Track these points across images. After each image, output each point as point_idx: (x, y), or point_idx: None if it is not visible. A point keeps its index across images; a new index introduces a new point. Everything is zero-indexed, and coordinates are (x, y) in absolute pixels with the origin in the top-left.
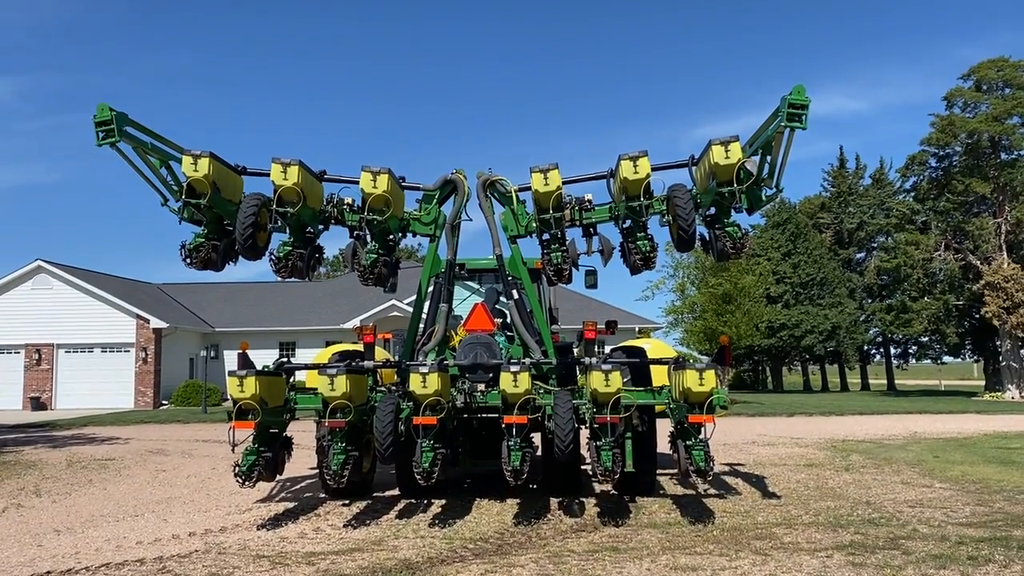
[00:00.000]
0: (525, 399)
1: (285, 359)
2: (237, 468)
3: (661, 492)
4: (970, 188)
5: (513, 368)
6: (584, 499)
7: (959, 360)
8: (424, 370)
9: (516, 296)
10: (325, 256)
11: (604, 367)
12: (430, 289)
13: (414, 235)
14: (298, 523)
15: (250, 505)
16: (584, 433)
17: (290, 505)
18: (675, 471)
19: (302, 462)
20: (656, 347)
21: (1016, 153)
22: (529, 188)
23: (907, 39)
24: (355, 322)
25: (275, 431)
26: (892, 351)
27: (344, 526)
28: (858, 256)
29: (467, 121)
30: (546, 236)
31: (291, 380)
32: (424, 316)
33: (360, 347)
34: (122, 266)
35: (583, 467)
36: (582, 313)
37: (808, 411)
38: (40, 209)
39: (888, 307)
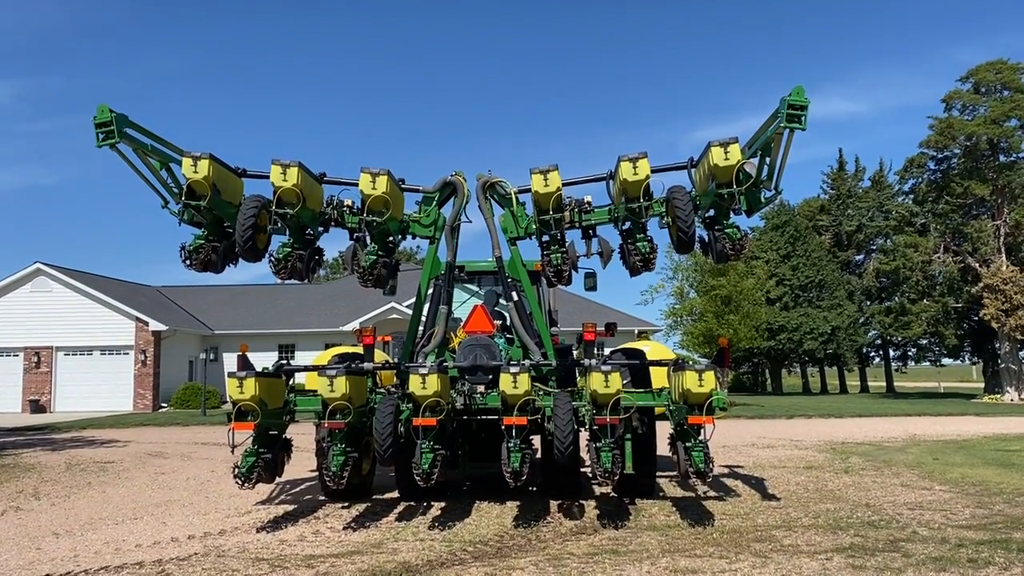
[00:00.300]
0: (525, 401)
1: (285, 361)
2: (236, 470)
3: (661, 494)
4: (969, 190)
5: (513, 370)
6: (584, 501)
7: (958, 362)
8: (424, 372)
9: (516, 298)
10: (324, 258)
11: (604, 368)
12: (429, 291)
13: (413, 237)
14: (297, 525)
15: (249, 508)
16: (584, 435)
17: (289, 507)
18: (675, 473)
19: (302, 464)
20: (655, 349)
21: (1015, 155)
22: (529, 190)
23: (906, 41)
24: (354, 324)
25: (274, 433)
26: (891, 353)
27: (343, 528)
28: (857, 258)
29: (466, 123)
30: (546, 238)
31: (291, 382)
32: (424, 318)
33: (359, 349)
34: (121, 269)
35: (583, 469)
36: (581, 315)
37: (807, 413)
38: (39, 212)
39: (887, 309)
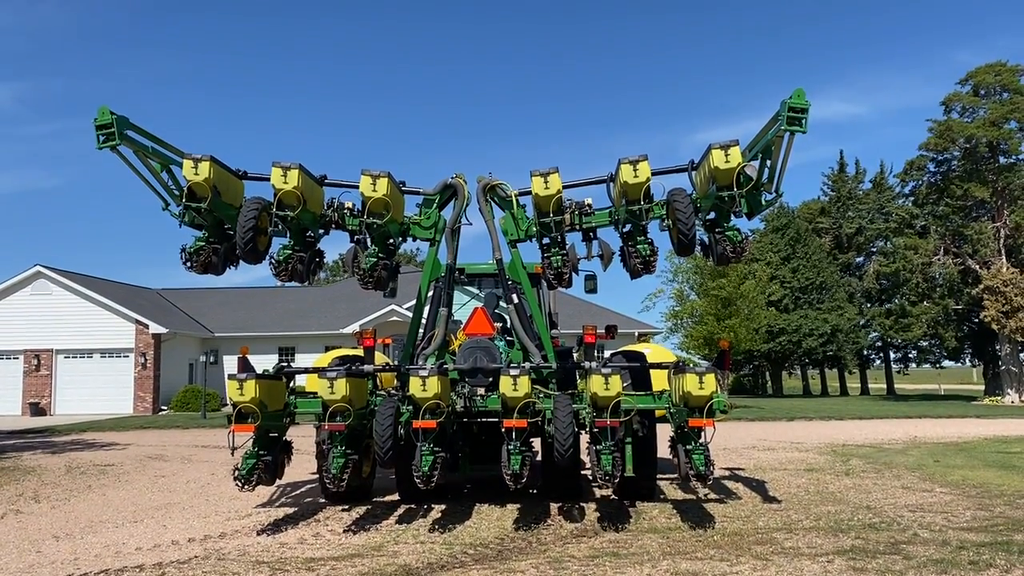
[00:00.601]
0: (525, 403)
1: (285, 363)
2: (237, 472)
3: (661, 497)
4: (969, 192)
5: (513, 372)
6: (584, 504)
7: (959, 364)
8: (424, 374)
9: (516, 300)
10: (325, 260)
11: (604, 371)
12: (430, 293)
13: (414, 239)
14: (298, 528)
15: (249, 510)
16: (584, 437)
17: (290, 510)
18: (675, 475)
19: (302, 466)
20: (656, 351)
21: (1014, 157)
22: (529, 192)
23: (905, 44)
24: (355, 327)
25: (275, 435)
26: (891, 355)
27: (344, 531)
28: (857, 260)
29: (466, 126)
30: (546, 240)
31: (291, 384)
32: (424, 320)
33: (360, 352)
34: (121, 271)
35: (583, 471)
36: (582, 317)
37: (808, 415)
38: (39, 214)
39: (887, 311)
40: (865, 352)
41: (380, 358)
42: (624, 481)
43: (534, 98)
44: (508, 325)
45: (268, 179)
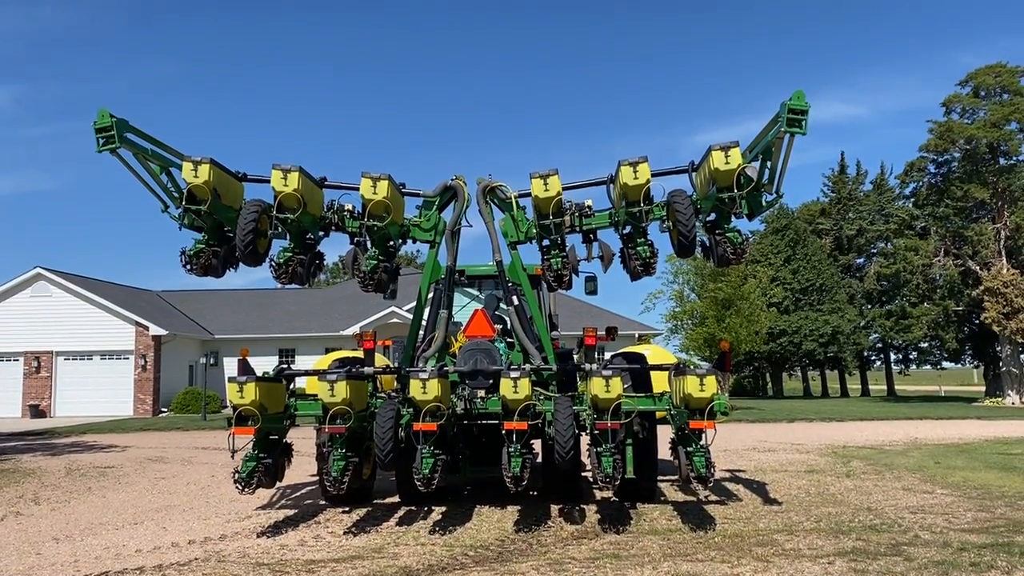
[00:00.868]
0: (525, 405)
1: (285, 366)
2: (237, 475)
3: (662, 498)
4: (969, 194)
5: (513, 374)
6: (585, 506)
7: (959, 366)
8: (424, 376)
9: (516, 302)
10: (325, 263)
11: (605, 373)
12: (430, 295)
13: (414, 241)
14: (298, 530)
15: (250, 512)
16: (585, 439)
17: (290, 512)
18: (676, 477)
19: (302, 469)
20: (656, 353)
21: (1014, 159)
22: (529, 194)
23: (905, 45)
24: (355, 329)
25: (275, 437)
26: (892, 357)
27: (344, 533)
28: (858, 262)
29: (466, 128)
30: (546, 242)
31: (291, 386)
32: (424, 322)
33: (360, 354)
34: (121, 273)
35: (584, 473)
36: (582, 319)
37: (808, 417)
38: (39, 217)
39: (888, 313)
40: (865, 353)
41: (380, 360)
42: (625, 483)
43: (535, 101)
44: (508, 327)
45: (268, 181)
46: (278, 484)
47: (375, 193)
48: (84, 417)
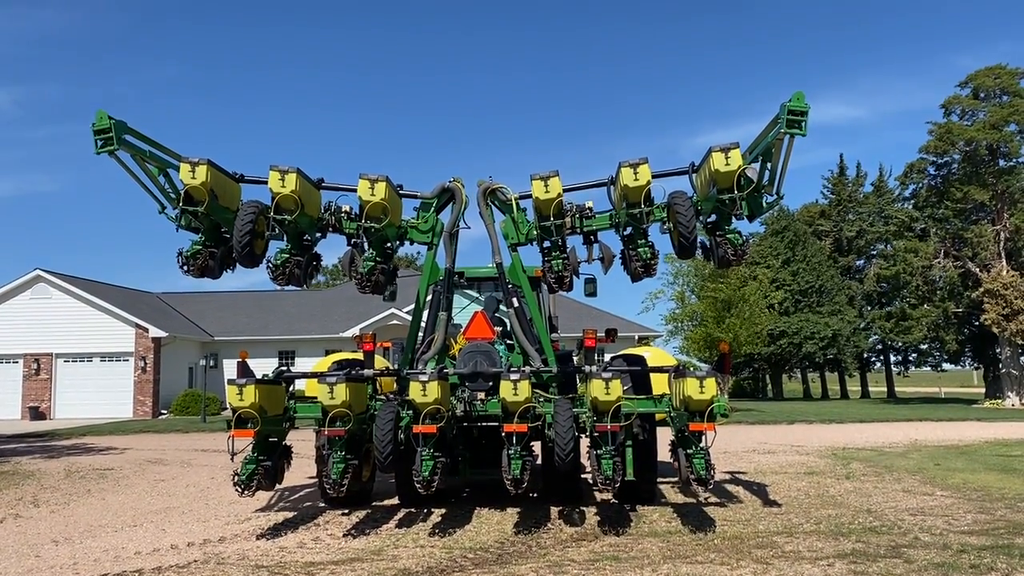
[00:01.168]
0: (525, 407)
1: (285, 368)
2: (236, 477)
3: (662, 501)
4: (969, 195)
5: (513, 376)
6: (584, 508)
7: (959, 367)
8: (424, 378)
9: (516, 304)
10: (323, 264)
11: (604, 375)
12: (428, 298)
13: (412, 243)
14: (297, 533)
15: (249, 515)
16: (584, 441)
17: (289, 515)
18: (676, 479)
19: (301, 471)
20: (656, 355)
21: (1014, 160)
22: (529, 196)
23: (906, 48)
24: (354, 331)
25: (274, 440)
26: (892, 358)
27: (343, 536)
28: (858, 263)
29: (466, 130)
30: (547, 244)
31: (290, 389)
32: (423, 324)
33: (360, 356)
34: (121, 275)
35: (583, 475)
36: (582, 321)
37: (808, 419)
38: (39, 218)
39: (888, 314)
40: (865, 355)
41: (380, 362)
42: (624, 485)
43: (535, 104)
44: (508, 329)
45: (266, 183)
46: (277, 486)
47: (372, 195)
48: (84, 419)
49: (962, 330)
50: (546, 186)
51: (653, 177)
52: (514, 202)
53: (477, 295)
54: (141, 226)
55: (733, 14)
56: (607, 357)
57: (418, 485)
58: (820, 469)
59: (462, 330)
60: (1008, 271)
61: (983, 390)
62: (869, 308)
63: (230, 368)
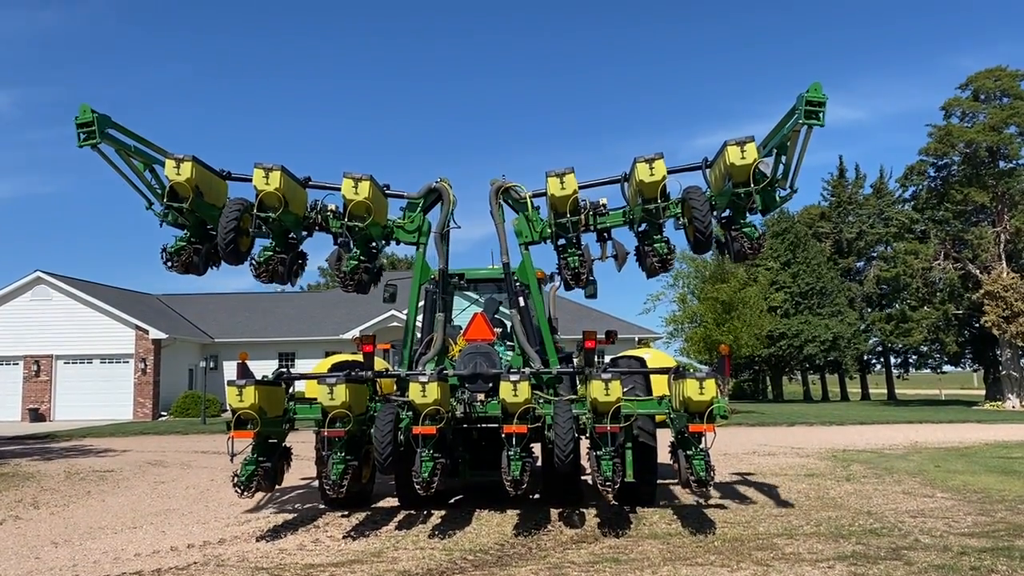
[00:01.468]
0: (525, 409)
1: (284, 369)
2: (236, 478)
3: (662, 502)
4: (969, 197)
5: (513, 378)
6: (584, 509)
7: (959, 369)
8: (423, 380)
9: (523, 303)
10: (308, 263)
11: (604, 376)
12: (421, 298)
13: (398, 243)
14: (297, 534)
15: (249, 516)
16: (584, 443)
17: (289, 516)
18: (676, 481)
19: (301, 472)
20: (655, 356)
21: (1014, 162)
22: (543, 194)
23: (906, 49)
24: (354, 332)
25: (274, 441)
26: (892, 360)
27: (343, 537)
28: (858, 265)
29: (467, 132)
30: (562, 241)
31: (290, 390)
32: (417, 324)
33: (359, 357)
34: (121, 277)
35: (583, 477)
36: (581, 323)
37: (808, 421)
38: (39, 220)
39: (888, 316)
40: (866, 357)
41: (380, 364)
42: (624, 487)
43: (538, 105)
44: (508, 330)
45: (251, 180)
46: (277, 488)
47: (356, 193)
48: (84, 421)
49: (962, 332)
50: (562, 183)
51: (668, 172)
52: (528, 200)
53: (477, 297)
54: (141, 227)
55: (733, 17)
56: (607, 359)
57: (418, 486)
58: (820, 471)
59: (462, 332)
60: (1008, 273)
61: (983, 392)
62: (869, 310)
63: (230, 370)
